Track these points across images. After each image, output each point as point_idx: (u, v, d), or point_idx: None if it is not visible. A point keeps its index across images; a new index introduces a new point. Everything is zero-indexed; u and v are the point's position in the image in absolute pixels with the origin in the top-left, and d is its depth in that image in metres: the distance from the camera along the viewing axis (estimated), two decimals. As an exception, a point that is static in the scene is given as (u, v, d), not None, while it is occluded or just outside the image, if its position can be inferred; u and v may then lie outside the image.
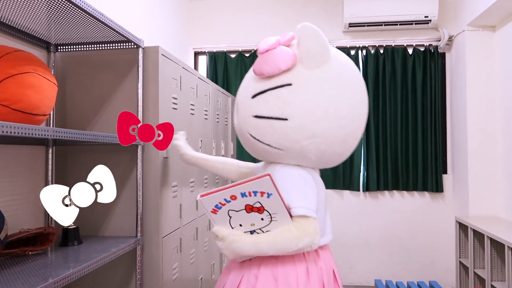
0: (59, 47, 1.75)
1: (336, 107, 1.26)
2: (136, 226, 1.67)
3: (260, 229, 1.23)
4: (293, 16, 3.73)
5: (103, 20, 1.39)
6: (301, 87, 1.24)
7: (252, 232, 1.24)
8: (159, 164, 1.72)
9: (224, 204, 1.17)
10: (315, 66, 1.26)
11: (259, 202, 1.16)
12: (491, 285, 2.63)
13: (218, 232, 1.22)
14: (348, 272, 3.62)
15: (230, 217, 1.20)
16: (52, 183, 1.71)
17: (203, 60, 3.94)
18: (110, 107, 1.75)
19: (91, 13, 1.32)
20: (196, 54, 3.90)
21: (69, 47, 1.74)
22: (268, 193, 1.15)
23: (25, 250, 1.34)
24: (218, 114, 2.70)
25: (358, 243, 3.63)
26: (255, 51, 3.72)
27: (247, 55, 3.77)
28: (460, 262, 3.22)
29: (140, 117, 1.68)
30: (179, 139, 1.75)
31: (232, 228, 1.23)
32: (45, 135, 1.11)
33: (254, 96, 1.30)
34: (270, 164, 1.39)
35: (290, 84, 1.25)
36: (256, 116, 1.29)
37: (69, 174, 1.77)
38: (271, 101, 1.26)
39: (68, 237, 1.52)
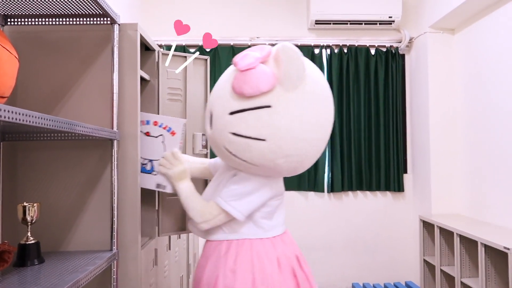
0: (8, 19, 1.41)
1: (311, 129, 1.32)
2: (111, 237, 1.39)
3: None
4: (257, 12, 3.58)
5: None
6: (280, 110, 1.27)
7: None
8: (137, 163, 1.46)
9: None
10: (293, 88, 1.28)
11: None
12: (461, 282, 2.66)
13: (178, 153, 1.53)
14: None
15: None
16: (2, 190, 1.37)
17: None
18: (75, 96, 1.45)
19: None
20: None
21: (22, 19, 1.41)
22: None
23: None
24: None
25: (322, 245, 3.55)
26: (217, 46, 3.51)
27: (208, 49, 3.54)
28: (424, 260, 3.26)
29: (115, 106, 1.41)
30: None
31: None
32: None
33: (232, 113, 1.31)
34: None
35: (269, 106, 1.27)
36: (234, 134, 1.31)
37: (19, 176, 1.44)
38: (250, 122, 1.28)
39: (26, 255, 1.20)
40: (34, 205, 1.22)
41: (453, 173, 3.30)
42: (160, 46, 3.52)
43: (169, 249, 1.99)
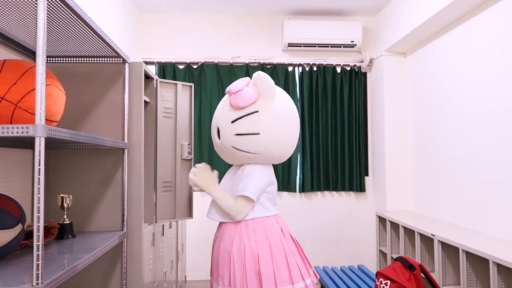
0: (46, 59, 1.89)
1: (285, 123, 1.93)
2: (122, 221, 1.87)
3: None
4: (238, 35, 4.09)
5: (103, 37, 1.60)
6: (264, 112, 1.88)
7: None
8: (141, 166, 1.94)
9: None
10: (270, 98, 1.91)
11: None
12: (405, 266, 3.20)
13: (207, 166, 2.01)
14: (286, 265, 4.02)
15: None
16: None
17: (151, 70, 4.10)
18: (95, 115, 1.93)
19: (93, 27, 1.53)
20: (145, 63, 4.06)
21: (57, 59, 1.89)
22: None
23: (33, 242, 1.49)
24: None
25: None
26: (202, 64, 4.02)
27: (194, 67, 4.03)
28: (380, 250, 3.80)
29: (125, 122, 1.89)
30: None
31: None
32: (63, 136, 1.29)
33: (233, 121, 1.90)
34: (241, 166, 2.00)
35: (257, 111, 1.88)
36: (237, 134, 1.89)
37: (51, 176, 1.91)
38: (247, 123, 1.88)
39: (64, 231, 1.68)
40: (70, 196, 1.70)
41: (404, 176, 3.86)
42: (152, 63, 4.00)
43: (163, 235, 2.47)
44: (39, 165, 1.04)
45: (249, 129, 1.87)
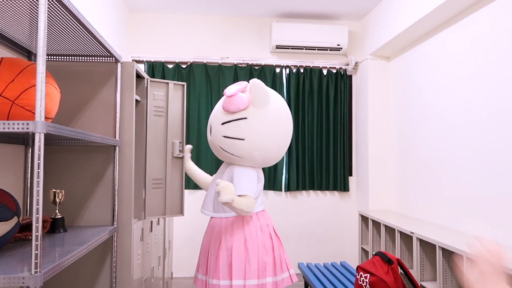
0: (39, 56, 1.92)
1: (273, 131, 2.01)
2: (112, 216, 1.92)
3: None
4: (227, 36, 4.15)
5: (98, 38, 1.66)
6: (252, 120, 1.98)
7: None
8: (132, 163, 1.99)
9: None
10: (261, 107, 1.99)
11: None
12: (386, 263, 3.32)
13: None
14: (271, 263, 4.11)
15: None
16: (30, 180, 1.88)
17: (141, 68, 4.14)
18: (88, 112, 1.98)
19: (90, 28, 1.58)
20: (135, 62, 4.09)
21: (52, 57, 1.93)
22: None
23: (26, 235, 1.54)
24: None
25: (280, 236, 4.14)
26: (191, 63, 4.07)
27: (183, 66, 4.08)
28: (362, 247, 3.91)
29: (117, 119, 1.94)
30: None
31: None
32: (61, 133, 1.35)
33: (223, 123, 2.02)
34: (230, 165, 2.11)
35: (245, 118, 1.97)
36: (224, 136, 2.01)
37: (45, 172, 1.95)
38: (234, 128, 1.98)
39: (56, 225, 1.72)
40: (62, 191, 1.74)
41: (386, 177, 3.98)
42: (142, 61, 4.04)
43: (151, 231, 2.52)
44: (39, 160, 1.09)
45: (235, 133, 1.97)
